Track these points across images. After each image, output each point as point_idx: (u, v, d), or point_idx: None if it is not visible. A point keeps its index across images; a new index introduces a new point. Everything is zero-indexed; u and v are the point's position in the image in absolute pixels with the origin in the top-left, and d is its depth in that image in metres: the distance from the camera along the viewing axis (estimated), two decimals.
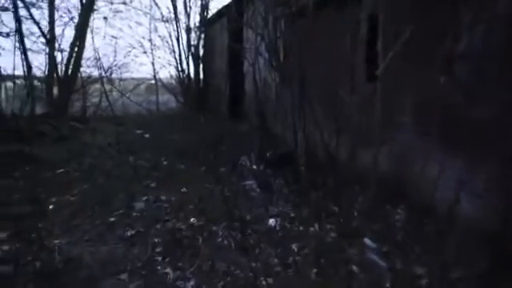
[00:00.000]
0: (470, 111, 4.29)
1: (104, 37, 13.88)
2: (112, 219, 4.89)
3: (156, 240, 4.25)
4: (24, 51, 9.73)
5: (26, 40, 10.79)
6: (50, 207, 5.40)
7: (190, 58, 17.24)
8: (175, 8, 16.79)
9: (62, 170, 7.17)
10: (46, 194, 5.91)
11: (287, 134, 8.76)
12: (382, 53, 4.45)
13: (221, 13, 14.98)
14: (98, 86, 13.44)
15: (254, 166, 7.34)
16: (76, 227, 4.67)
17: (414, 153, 4.96)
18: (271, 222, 4.59)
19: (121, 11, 14.34)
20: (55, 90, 11.06)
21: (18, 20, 9.84)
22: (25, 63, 9.72)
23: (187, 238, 4.29)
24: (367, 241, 4.10)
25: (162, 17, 16.90)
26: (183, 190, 6.02)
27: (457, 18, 4.33)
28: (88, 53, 13.56)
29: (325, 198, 5.30)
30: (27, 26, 13.03)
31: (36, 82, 10.75)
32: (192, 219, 4.74)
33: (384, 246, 3.98)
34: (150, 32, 17.08)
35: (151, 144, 9.40)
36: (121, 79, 14.34)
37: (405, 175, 5.06)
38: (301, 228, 4.49)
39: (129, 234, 4.43)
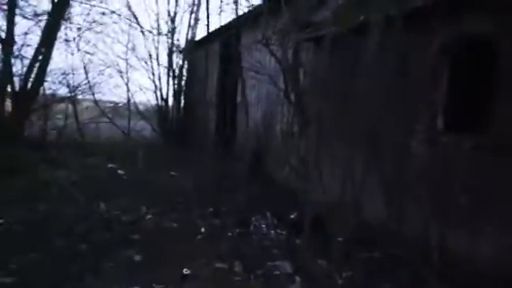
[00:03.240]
0: None
1: (78, 50, 11.51)
2: None
3: None
4: None
5: None
6: None
7: (171, 83, 15.40)
8: (158, 26, 15.05)
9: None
10: None
11: (303, 186, 6.92)
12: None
13: (212, 35, 13.29)
14: (63, 106, 11.28)
15: (273, 231, 5.43)
16: None
17: None
18: None
19: (98, 22, 12.32)
20: (8, 107, 8.88)
21: None
22: None
23: None
24: None
25: (143, 33, 14.99)
26: (185, 271, 4.01)
27: None
28: (54, 66, 11.36)
29: None
30: None
31: None
32: None
33: None
34: (128, 50, 15.04)
35: (128, 185, 7.34)
36: (93, 101, 12.17)
37: None
38: None
39: None
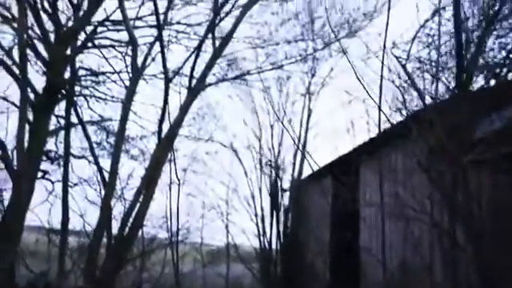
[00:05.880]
0: None
1: (179, 192, 10.81)
2: None
3: None
4: (64, 197, 7.02)
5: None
6: None
7: (275, 224, 13.91)
8: (261, 165, 14.18)
9: None
10: None
11: None
12: None
13: (323, 170, 11.93)
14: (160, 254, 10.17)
15: None
16: None
17: None
18: None
19: (202, 162, 11.84)
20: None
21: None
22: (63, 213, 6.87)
23: None
24: None
25: (246, 174, 14.17)
26: None
27: None
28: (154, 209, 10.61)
29: None
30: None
31: (74, 240, 7.70)
32: None
33: None
34: (229, 191, 14.18)
35: None
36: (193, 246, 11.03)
37: None
38: None
39: None
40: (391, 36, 6.83)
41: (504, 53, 5.76)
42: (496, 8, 5.35)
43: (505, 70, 5.51)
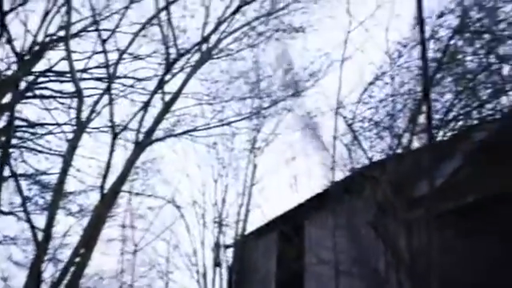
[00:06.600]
0: None
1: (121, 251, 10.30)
2: None
3: None
4: None
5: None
6: None
7: (218, 281, 13.45)
8: (204, 221, 13.86)
9: None
10: None
11: None
12: None
13: (268, 226, 11.87)
14: None
15: None
16: None
17: None
18: None
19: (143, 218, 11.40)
20: None
21: None
22: None
23: None
24: None
25: (188, 229, 13.77)
26: None
27: None
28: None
29: None
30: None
31: None
32: None
33: None
34: (170, 248, 13.65)
35: None
36: None
37: None
38: None
39: None
40: (335, 97, 7.25)
41: (438, 116, 6.22)
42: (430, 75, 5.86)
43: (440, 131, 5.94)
